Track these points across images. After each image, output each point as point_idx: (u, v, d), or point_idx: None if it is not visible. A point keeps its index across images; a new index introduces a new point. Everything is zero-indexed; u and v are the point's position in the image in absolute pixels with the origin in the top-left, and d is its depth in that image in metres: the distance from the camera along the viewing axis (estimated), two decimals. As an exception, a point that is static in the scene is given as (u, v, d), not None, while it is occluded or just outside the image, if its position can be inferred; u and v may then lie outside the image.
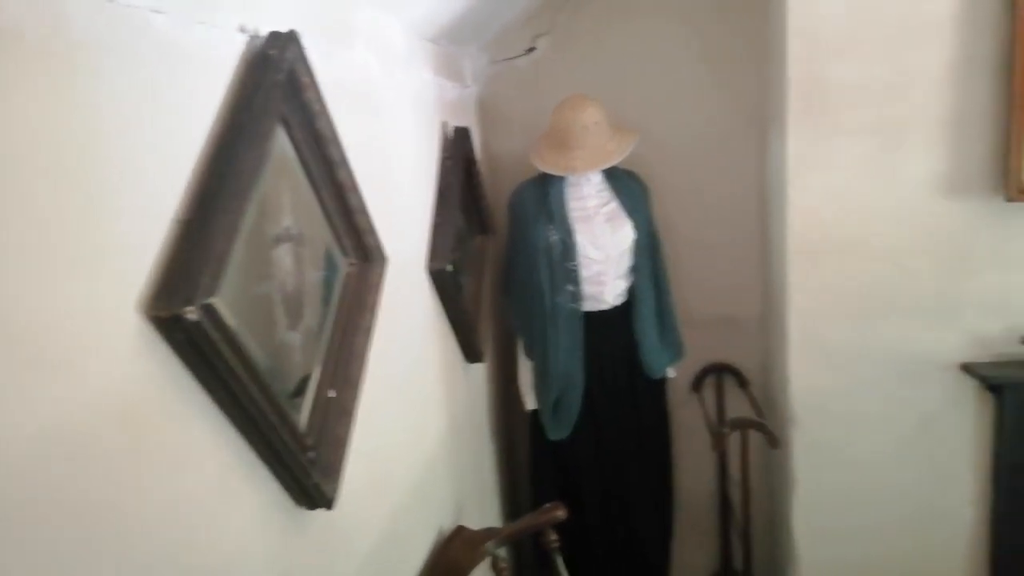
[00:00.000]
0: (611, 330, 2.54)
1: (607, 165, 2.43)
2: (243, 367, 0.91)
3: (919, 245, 2.27)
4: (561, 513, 1.96)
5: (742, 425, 2.61)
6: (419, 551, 1.76)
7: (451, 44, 2.43)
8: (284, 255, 1.10)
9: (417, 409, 1.84)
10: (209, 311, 0.83)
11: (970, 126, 2.19)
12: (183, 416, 0.88)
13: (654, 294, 2.59)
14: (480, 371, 2.53)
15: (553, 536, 1.99)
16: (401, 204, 1.79)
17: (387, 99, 1.75)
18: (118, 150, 0.79)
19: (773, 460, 2.72)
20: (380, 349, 1.46)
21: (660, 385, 2.70)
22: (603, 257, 2.48)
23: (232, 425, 0.96)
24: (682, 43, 2.69)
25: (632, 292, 2.55)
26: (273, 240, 1.07)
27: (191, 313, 0.80)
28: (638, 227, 2.51)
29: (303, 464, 1.07)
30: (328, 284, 1.31)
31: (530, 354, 2.56)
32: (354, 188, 1.34)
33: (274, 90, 1.04)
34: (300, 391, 1.16)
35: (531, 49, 2.76)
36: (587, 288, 2.49)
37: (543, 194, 2.49)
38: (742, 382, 2.87)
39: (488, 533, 1.95)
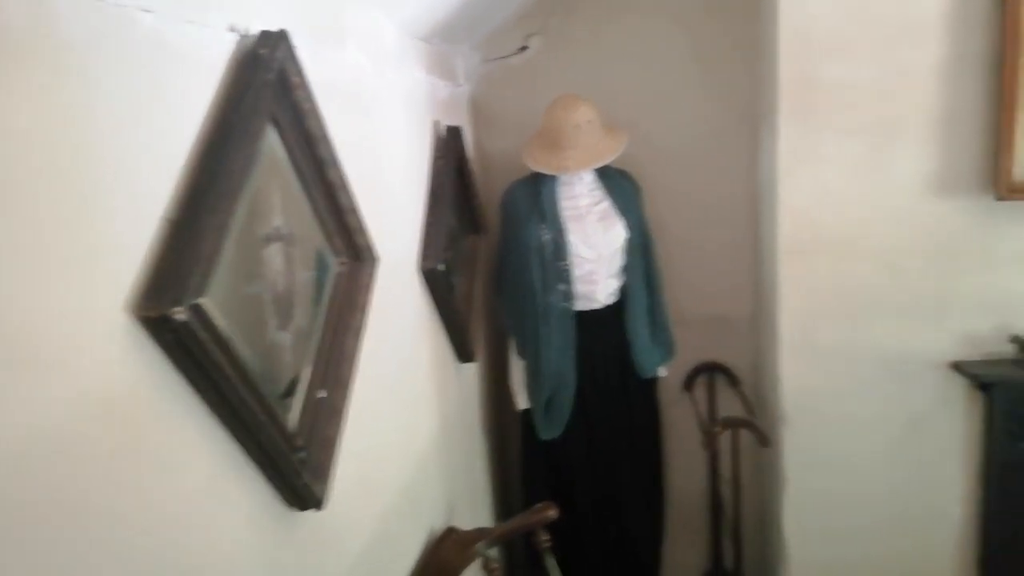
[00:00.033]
0: (603, 329, 2.54)
1: (599, 164, 2.43)
2: (232, 368, 0.90)
3: (909, 244, 2.28)
4: (552, 513, 1.96)
5: (733, 424, 2.62)
6: (410, 551, 1.75)
7: (443, 43, 2.42)
8: (274, 255, 1.10)
9: (408, 409, 1.84)
10: (198, 311, 0.82)
11: (960, 125, 2.20)
12: (172, 417, 0.87)
13: (646, 293, 2.60)
14: (472, 371, 2.53)
15: (544, 536, 1.99)
16: (393, 203, 1.79)
17: (379, 98, 1.75)
18: (107, 150, 0.78)
19: (764, 459, 2.72)
20: (371, 349, 1.45)
21: (652, 384, 2.71)
22: (595, 256, 2.48)
23: (222, 426, 0.96)
24: (674, 43, 2.69)
25: (624, 291, 2.56)
26: (263, 240, 1.07)
27: (179, 313, 0.80)
28: (630, 226, 2.51)
29: (293, 465, 1.07)
30: (318, 284, 1.31)
31: (522, 353, 2.56)
32: (344, 187, 1.33)
33: (264, 89, 1.03)
34: (290, 391, 1.16)
35: (523, 48, 2.76)
36: (579, 287, 2.49)
37: (535, 193, 2.49)
38: (733, 381, 2.88)
39: (479, 533, 1.95)
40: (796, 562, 2.52)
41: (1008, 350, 2.28)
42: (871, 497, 2.45)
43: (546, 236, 2.44)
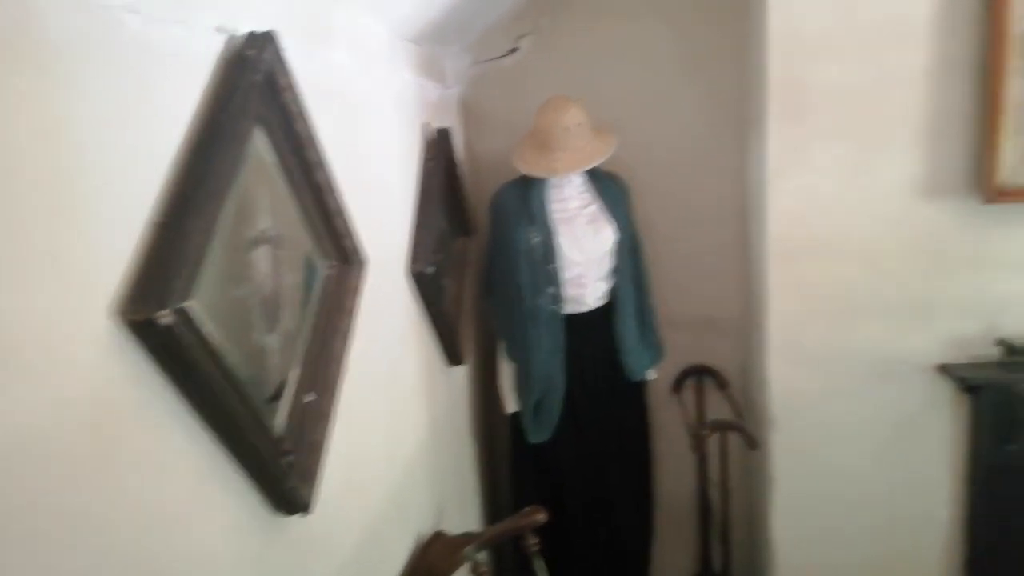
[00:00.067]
0: (592, 332, 2.54)
1: (588, 167, 2.43)
2: (218, 372, 0.89)
3: (897, 247, 2.29)
4: (541, 517, 1.96)
5: (721, 427, 2.62)
6: (398, 556, 1.75)
7: (433, 44, 2.42)
8: (261, 258, 1.09)
9: (397, 412, 1.83)
10: (183, 315, 0.82)
11: (947, 128, 2.21)
12: (157, 421, 0.87)
13: (635, 296, 2.60)
14: (461, 373, 2.53)
15: (533, 540, 1.99)
16: (382, 206, 1.78)
17: (367, 100, 1.74)
18: (92, 152, 0.78)
19: (752, 461, 2.73)
20: (359, 352, 1.45)
21: (641, 387, 2.71)
22: (584, 259, 2.48)
23: (207, 430, 0.95)
24: (664, 45, 2.70)
25: (613, 294, 2.56)
26: (250, 243, 1.06)
27: (165, 317, 0.79)
28: (619, 229, 2.51)
29: (280, 469, 1.06)
30: (307, 287, 1.30)
31: (511, 356, 2.56)
32: (333, 190, 1.33)
33: (251, 91, 1.03)
34: (278, 395, 1.15)
35: (514, 50, 2.76)
36: (568, 290, 2.49)
37: (525, 195, 2.49)
38: (722, 384, 2.88)
39: (468, 537, 1.94)
40: (784, 564, 2.53)
41: (994, 353, 2.30)
42: (859, 499, 2.46)
43: (535, 239, 2.44)
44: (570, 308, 2.51)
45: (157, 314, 0.79)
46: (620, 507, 2.69)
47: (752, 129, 2.49)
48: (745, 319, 2.78)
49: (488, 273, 2.66)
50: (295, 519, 1.16)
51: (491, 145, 2.79)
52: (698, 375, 2.91)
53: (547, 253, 2.45)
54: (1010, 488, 2.34)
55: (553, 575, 2.10)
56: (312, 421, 1.22)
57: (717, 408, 2.85)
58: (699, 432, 2.61)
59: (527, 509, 2.00)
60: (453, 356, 2.28)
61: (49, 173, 0.72)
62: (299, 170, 1.23)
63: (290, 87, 1.16)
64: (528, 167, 2.43)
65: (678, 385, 2.91)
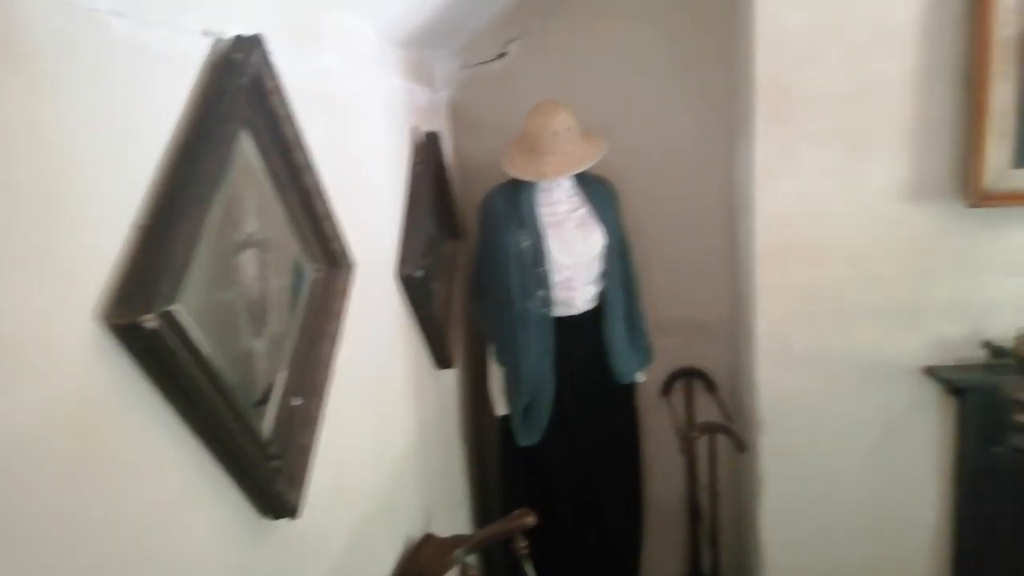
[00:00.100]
0: (581, 335, 2.55)
1: (577, 171, 2.44)
2: (204, 375, 0.89)
3: (883, 250, 2.31)
4: (530, 519, 1.96)
5: (710, 429, 2.63)
6: (387, 559, 1.74)
7: (422, 48, 2.42)
8: (248, 261, 1.09)
9: (386, 416, 1.83)
10: (169, 319, 0.81)
11: (932, 133, 2.23)
12: (143, 425, 0.86)
13: (624, 299, 2.61)
14: (450, 377, 2.53)
15: (523, 542, 1.99)
16: (370, 210, 1.78)
17: (356, 104, 1.74)
18: (77, 155, 0.77)
19: (741, 464, 2.74)
20: (347, 356, 1.45)
21: (630, 390, 2.72)
22: (573, 262, 2.49)
23: (193, 434, 0.95)
24: (652, 50, 2.71)
25: (602, 297, 2.56)
26: (237, 246, 1.06)
27: (150, 321, 0.79)
28: (608, 233, 2.52)
29: (266, 473, 1.06)
30: (294, 290, 1.30)
31: (500, 359, 2.56)
32: (320, 194, 1.33)
33: (238, 95, 1.03)
34: (265, 399, 1.15)
35: (503, 54, 2.76)
36: (557, 293, 2.49)
37: (514, 199, 2.49)
38: (711, 387, 2.89)
39: (457, 540, 1.94)
40: (773, 566, 2.54)
41: (980, 355, 2.32)
42: (846, 501, 2.47)
43: (525, 242, 2.45)
44: (559, 311, 2.51)
45: (142, 318, 0.79)
46: (609, 510, 2.70)
47: (740, 133, 2.50)
48: (734, 322, 2.79)
49: (478, 276, 2.67)
50: (282, 523, 1.16)
51: (480, 149, 2.79)
52: (687, 378, 2.92)
53: (536, 256, 2.45)
54: (996, 490, 2.36)
55: (542, 577, 2.11)
56: (299, 425, 1.22)
57: (706, 411, 2.86)
58: (688, 435, 2.62)
59: (516, 512, 2.00)
60: (442, 359, 2.28)
61: (35, 176, 0.72)
62: (286, 173, 1.23)
63: (277, 91, 1.16)
64: (517, 171, 2.44)
65: (667, 388, 2.92)
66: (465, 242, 2.67)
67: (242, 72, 1.04)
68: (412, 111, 2.25)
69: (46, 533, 0.70)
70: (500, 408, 2.59)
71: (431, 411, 2.24)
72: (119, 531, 0.81)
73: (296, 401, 1.23)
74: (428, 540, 1.93)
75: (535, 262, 2.45)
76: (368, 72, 1.87)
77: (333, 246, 1.40)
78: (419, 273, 1.97)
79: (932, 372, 2.33)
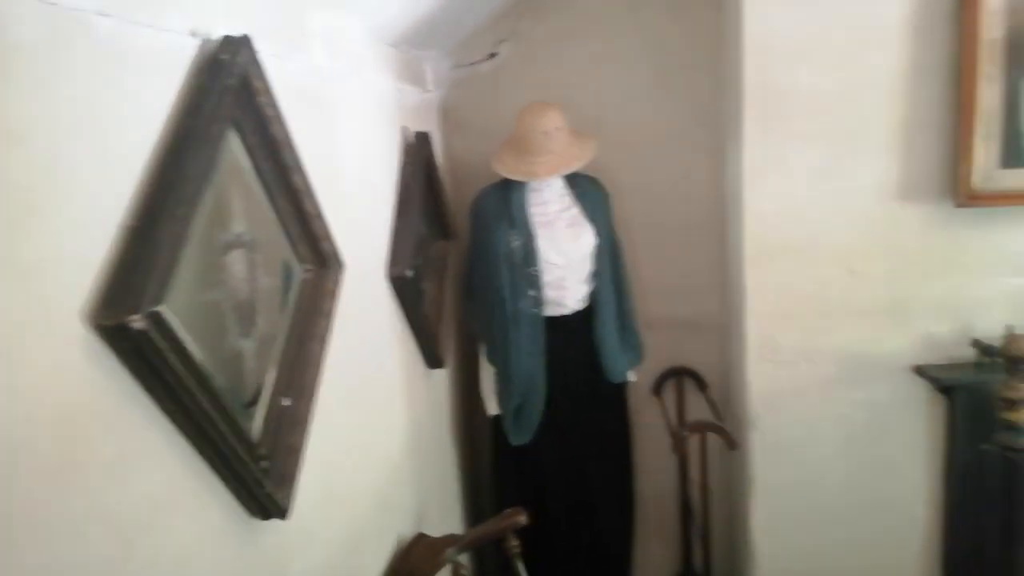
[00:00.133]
0: (573, 335, 2.55)
1: (568, 171, 2.44)
2: (192, 376, 0.89)
3: (872, 250, 2.32)
4: (522, 518, 1.96)
5: (701, 428, 2.64)
6: (378, 559, 1.74)
7: (412, 49, 2.42)
8: (236, 261, 1.09)
9: (377, 416, 1.83)
10: (156, 319, 0.81)
11: (920, 133, 2.24)
12: (130, 426, 0.86)
13: (615, 299, 2.61)
14: (442, 377, 2.53)
15: (514, 542, 1.99)
16: (360, 210, 1.78)
17: (345, 104, 1.74)
18: (63, 156, 0.77)
19: (732, 462, 2.75)
20: (337, 356, 1.45)
21: (621, 389, 2.72)
22: (564, 262, 2.49)
23: (181, 435, 0.95)
24: (641, 50, 2.72)
25: (594, 297, 2.56)
26: (224, 246, 1.06)
27: (137, 321, 0.79)
28: (599, 232, 2.52)
29: (256, 474, 1.06)
30: (283, 291, 1.30)
31: (492, 359, 2.56)
32: (310, 193, 1.33)
33: (225, 95, 1.03)
34: (254, 400, 1.15)
35: (493, 55, 2.77)
36: (549, 293, 2.49)
37: (505, 199, 2.49)
38: (701, 385, 2.90)
39: (449, 540, 1.94)
40: (764, 562, 2.54)
41: (969, 354, 2.33)
42: (837, 498, 2.48)
43: (516, 242, 2.45)
44: (550, 311, 2.51)
45: (129, 318, 0.79)
46: (602, 508, 2.70)
47: (729, 133, 2.51)
48: (724, 321, 2.80)
49: (469, 276, 2.67)
50: (272, 523, 1.16)
51: (471, 149, 2.79)
52: (678, 377, 2.93)
53: (527, 256, 2.45)
54: (984, 486, 2.37)
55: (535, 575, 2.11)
56: (289, 425, 1.22)
57: (697, 409, 2.87)
58: (679, 433, 2.63)
59: (508, 511, 2.00)
60: (433, 359, 2.28)
61: (20, 176, 0.71)
62: (275, 173, 1.23)
63: (266, 91, 1.16)
64: (508, 171, 2.44)
65: (658, 387, 2.93)
66: (456, 242, 2.67)
67: (230, 72, 1.04)
68: (403, 111, 2.25)
69: (32, 534, 0.70)
70: (492, 408, 2.59)
71: (423, 411, 2.24)
72: (106, 532, 0.81)
73: (286, 401, 1.23)
74: (420, 540, 1.93)
75: (526, 262, 2.45)
76: (358, 72, 1.87)
77: (323, 246, 1.40)
78: (410, 273, 1.97)
79: (921, 371, 2.34)
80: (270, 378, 1.21)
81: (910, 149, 2.25)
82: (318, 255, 1.41)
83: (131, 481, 0.86)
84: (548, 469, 2.64)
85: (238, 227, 1.10)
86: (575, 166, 2.43)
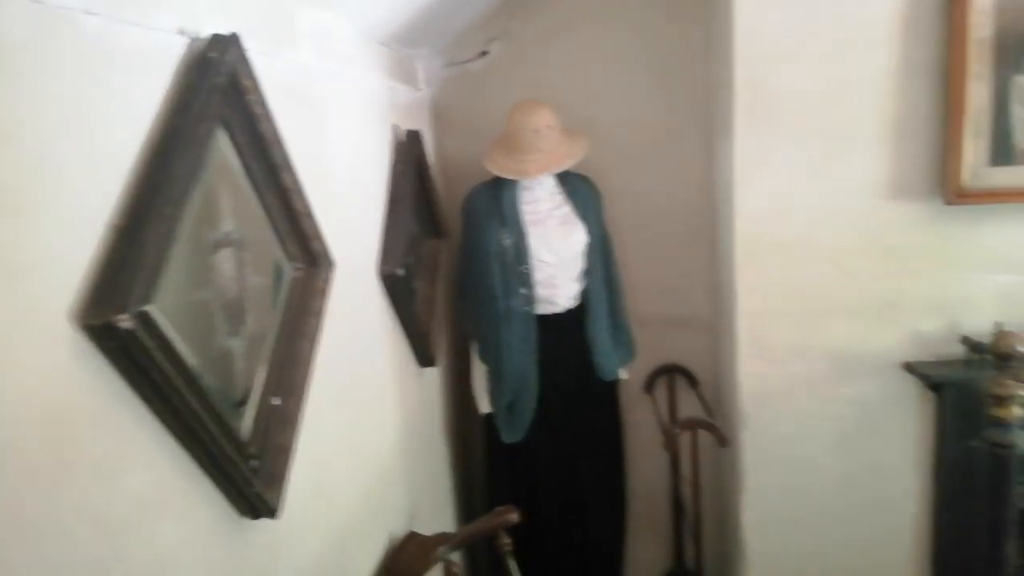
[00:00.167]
0: (564, 333, 2.55)
1: (559, 169, 2.44)
2: (180, 375, 0.89)
3: (862, 247, 2.32)
4: (513, 516, 1.96)
5: (692, 425, 2.64)
6: (370, 558, 1.74)
7: (404, 47, 2.42)
8: (225, 260, 1.09)
9: (368, 415, 1.83)
10: (144, 319, 0.81)
11: (910, 131, 2.25)
12: (118, 426, 0.86)
13: (607, 297, 2.61)
14: (434, 375, 2.53)
15: (506, 539, 1.99)
16: (351, 208, 1.78)
17: (336, 102, 1.74)
18: (50, 155, 0.77)
19: (723, 459, 2.76)
20: (328, 355, 1.44)
21: (613, 387, 2.73)
22: (556, 260, 2.49)
23: (170, 434, 0.94)
24: (632, 48, 2.72)
25: (585, 295, 2.57)
26: (213, 245, 1.05)
27: (124, 321, 0.79)
28: (591, 231, 2.52)
29: (245, 473, 1.05)
30: (273, 289, 1.29)
31: (484, 357, 2.56)
32: (299, 192, 1.32)
33: (214, 93, 1.02)
34: (244, 399, 1.14)
35: (484, 53, 2.76)
36: (540, 291, 2.50)
37: (496, 197, 2.49)
38: (693, 383, 2.90)
39: (441, 538, 1.94)
40: (755, 559, 2.55)
41: (958, 351, 2.34)
42: (827, 494, 2.49)
43: (507, 240, 2.45)
44: (542, 309, 2.51)
45: (117, 318, 0.78)
46: (593, 506, 2.71)
47: (719, 131, 2.52)
48: (715, 319, 2.81)
49: (461, 274, 2.67)
50: (262, 523, 1.16)
51: (462, 147, 2.79)
52: (670, 374, 2.94)
53: (519, 254, 2.46)
54: (973, 482, 2.38)
55: (527, 574, 2.11)
56: (279, 425, 1.22)
57: (688, 406, 2.88)
58: (671, 430, 2.63)
59: (500, 509, 2.00)
60: (425, 358, 2.28)
61: (6, 176, 0.71)
62: (264, 172, 1.23)
63: (255, 89, 1.15)
64: (499, 169, 2.44)
65: (650, 384, 2.93)
66: (447, 241, 2.67)
67: (218, 71, 1.04)
68: (394, 109, 2.25)
69: (19, 534, 0.70)
70: (484, 406, 2.59)
71: (414, 409, 2.24)
72: (95, 532, 0.81)
73: (275, 401, 1.22)
74: (412, 538, 1.93)
75: (517, 260, 2.46)
76: (349, 71, 1.87)
77: (313, 244, 1.40)
78: (401, 271, 1.96)
79: (911, 367, 2.35)
80: (260, 377, 1.20)
81: (900, 147, 2.26)
82: (308, 253, 1.40)
83: (120, 481, 0.85)
84: (540, 467, 2.64)
85: (227, 226, 1.10)
86: (566, 164, 2.44)
